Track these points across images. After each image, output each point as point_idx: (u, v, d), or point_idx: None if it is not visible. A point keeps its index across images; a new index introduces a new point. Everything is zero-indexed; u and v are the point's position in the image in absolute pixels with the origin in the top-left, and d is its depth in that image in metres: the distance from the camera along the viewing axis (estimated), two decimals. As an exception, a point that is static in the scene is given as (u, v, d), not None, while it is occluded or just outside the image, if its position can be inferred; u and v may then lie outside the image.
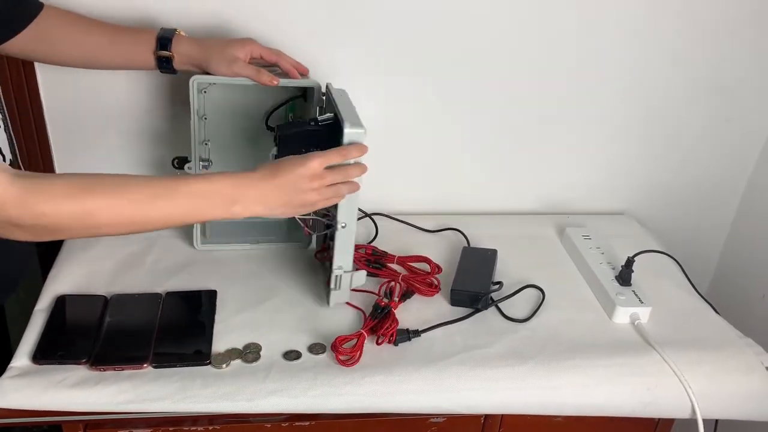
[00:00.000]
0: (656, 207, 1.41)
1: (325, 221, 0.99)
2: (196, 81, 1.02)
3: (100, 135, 1.19)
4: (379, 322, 0.98)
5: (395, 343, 0.97)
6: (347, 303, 1.04)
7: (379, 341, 0.96)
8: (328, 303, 1.03)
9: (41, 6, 0.98)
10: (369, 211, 1.27)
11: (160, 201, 0.79)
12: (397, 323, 0.98)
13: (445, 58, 1.19)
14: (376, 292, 1.06)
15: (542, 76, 1.23)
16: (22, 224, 0.72)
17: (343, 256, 0.99)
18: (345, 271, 1.00)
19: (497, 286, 1.09)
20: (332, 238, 0.98)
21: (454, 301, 1.06)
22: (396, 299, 1.04)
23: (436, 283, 1.09)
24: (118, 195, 0.77)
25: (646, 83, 1.26)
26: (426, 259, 1.15)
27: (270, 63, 1.04)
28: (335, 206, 0.94)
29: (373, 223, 1.26)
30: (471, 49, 1.19)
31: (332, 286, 1.01)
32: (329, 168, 0.87)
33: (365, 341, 0.95)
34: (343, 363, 0.93)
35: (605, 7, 1.18)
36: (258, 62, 1.03)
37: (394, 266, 1.14)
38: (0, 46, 0.95)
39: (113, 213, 0.77)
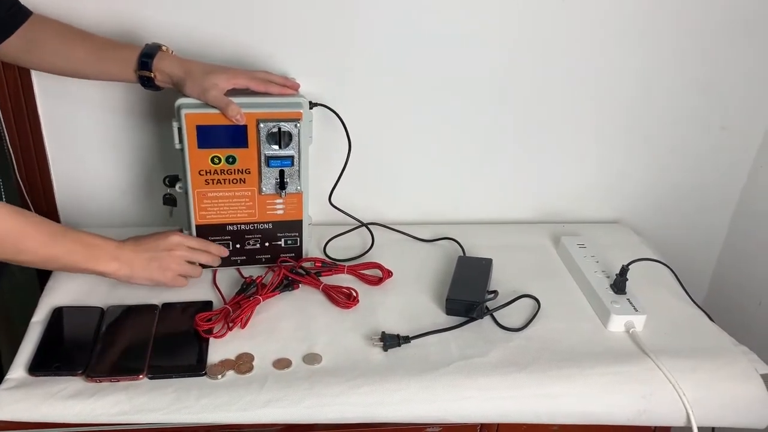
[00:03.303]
0: (651, 215, 1.41)
1: None
2: (182, 109, 0.98)
3: (96, 149, 1.20)
4: (242, 302, 1.03)
5: (385, 348, 0.98)
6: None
7: (231, 326, 0.99)
8: None
9: (29, 14, 0.98)
10: (365, 221, 1.28)
11: (59, 238, 0.92)
12: (252, 311, 1.02)
13: (438, 72, 1.20)
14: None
15: (536, 86, 1.24)
16: None
17: None
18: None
19: (492, 295, 1.09)
20: None
21: (449, 310, 1.06)
22: (265, 282, 1.07)
23: (354, 295, 1.08)
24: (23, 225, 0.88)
25: (641, 92, 1.27)
26: (377, 266, 1.15)
27: (259, 93, 1.02)
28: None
29: (369, 233, 1.26)
30: (463, 62, 1.20)
31: None
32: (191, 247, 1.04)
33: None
34: (206, 335, 0.97)
35: (597, 17, 1.19)
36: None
37: (344, 275, 1.14)
38: None
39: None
